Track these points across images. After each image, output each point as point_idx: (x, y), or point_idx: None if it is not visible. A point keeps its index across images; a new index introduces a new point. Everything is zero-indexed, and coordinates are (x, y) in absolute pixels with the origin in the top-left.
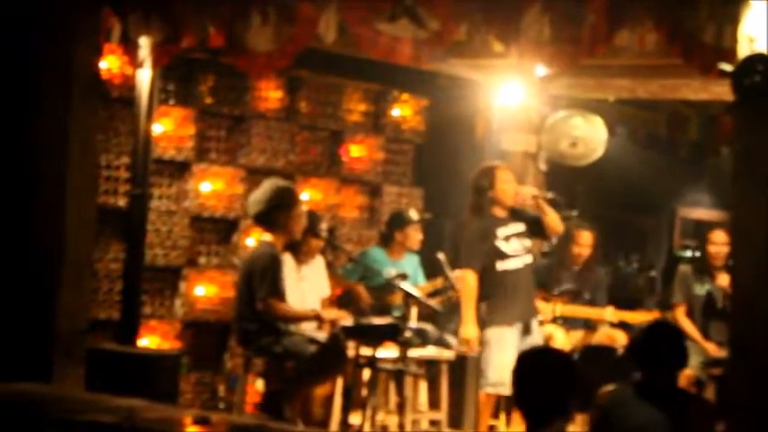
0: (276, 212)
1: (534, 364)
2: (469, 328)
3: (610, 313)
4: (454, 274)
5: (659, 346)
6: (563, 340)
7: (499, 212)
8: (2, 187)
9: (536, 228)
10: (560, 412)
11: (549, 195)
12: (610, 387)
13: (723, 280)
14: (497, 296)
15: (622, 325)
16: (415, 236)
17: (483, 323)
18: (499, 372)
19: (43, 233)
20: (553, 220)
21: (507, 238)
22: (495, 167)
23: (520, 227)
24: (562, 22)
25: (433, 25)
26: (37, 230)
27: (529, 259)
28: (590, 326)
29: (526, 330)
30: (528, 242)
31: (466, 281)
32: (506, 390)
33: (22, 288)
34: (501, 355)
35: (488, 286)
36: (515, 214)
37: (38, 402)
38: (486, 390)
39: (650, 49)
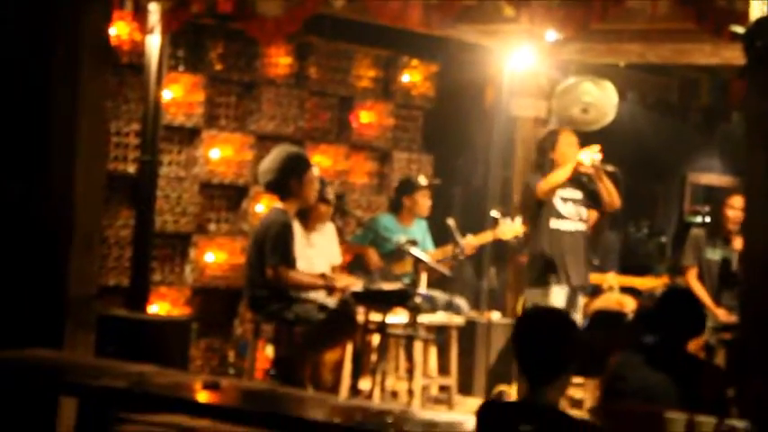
0: (289, 179)
1: (534, 324)
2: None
3: (612, 278)
4: (464, 240)
5: (677, 312)
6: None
7: None
8: (11, 154)
9: (593, 199)
10: (560, 371)
11: (610, 168)
12: (620, 352)
13: (740, 244)
14: (548, 255)
15: (631, 290)
16: (423, 202)
17: (528, 282)
18: None
19: (53, 200)
20: (610, 192)
21: (564, 200)
22: (560, 131)
23: (578, 194)
24: None
25: None
26: (47, 197)
27: (582, 227)
28: (598, 291)
29: (571, 298)
30: (584, 211)
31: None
32: None
33: (33, 255)
34: None
35: (540, 242)
36: (575, 181)
37: (49, 368)
38: None
39: (662, 12)
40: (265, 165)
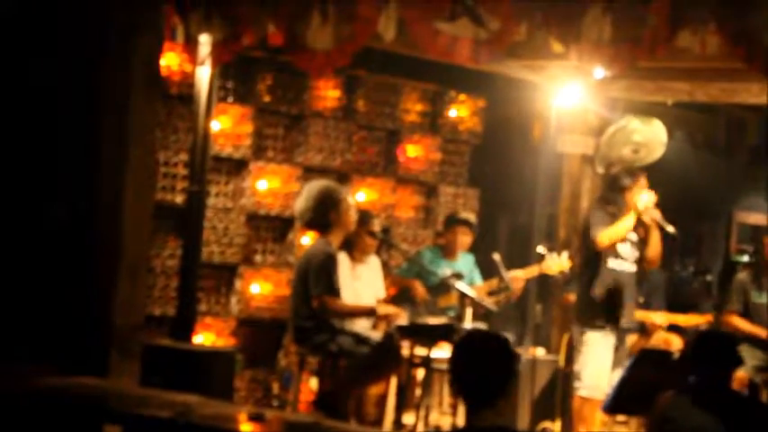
0: (327, 213)
1: (472, 348)
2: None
3: (660, 317)
4: (509, 275)
5: (709, 349)
6: None
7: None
8: (61, 181)
9: (639, 248)
10: (500, 395)
11: (671, 229)
12: (668, 393)
13: None
14: (603, 295)
15: (678, 329)
16: (462, 238)
17: (581, 322)
18: (596, 376)
19: (101, 229)
20: (655, 249)
21: (624, 240)
22: (641, 172)
23: (634, 235)
24: (623, 22)
25: (493, 25)
26: (95, 226)
27: (635, 268)
28: (645, 330)
29: (620, 339)
30: (637, 254)
31: (604, 237)
32: (601, 394)
33: (80, 283)
34: (599, 358)
35: (595, 282)
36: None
37: (94, 396)
38: (581, 393)
39: (711, 51)
40: (301, 204)
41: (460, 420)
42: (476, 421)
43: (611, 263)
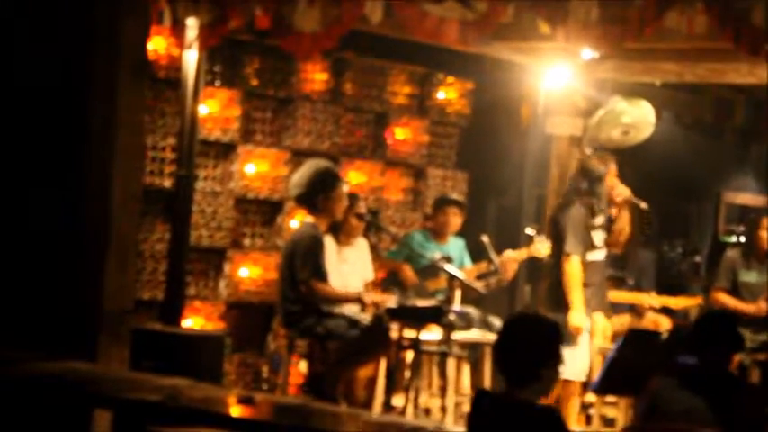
0: (317, 194)
1: (519, 328)
2: (580, 316)
3: (651, 298)
4: (498, 258)
5: (714, 334)
6: (603, 324)
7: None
8: (48, 167)
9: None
10: (535, 377)
11: (644, 205)
12: (659, 375)
13: None
14: (583, 286)
15: (667, 310)
16: (453, 219)
17: (559, 307)
18: (582, 360)
19: (89, 213)
20: (625, 232)
21: (596, 229)
22: (611, 158)
23: (602, 219)
24: (610, 2)
25: (481, 6)
26: (83, 210)
27: (605, 252)
28: (635, 311)
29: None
30: (605, 235)
31: (573, 266)
32: (583, 376)
33: (69, 268)
34: (578, 342)
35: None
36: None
37: (84, 380)
38: (569, 377)
39: (699, 31)
40: (295, 179)
41: (450, 402)
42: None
43: (589, 256)
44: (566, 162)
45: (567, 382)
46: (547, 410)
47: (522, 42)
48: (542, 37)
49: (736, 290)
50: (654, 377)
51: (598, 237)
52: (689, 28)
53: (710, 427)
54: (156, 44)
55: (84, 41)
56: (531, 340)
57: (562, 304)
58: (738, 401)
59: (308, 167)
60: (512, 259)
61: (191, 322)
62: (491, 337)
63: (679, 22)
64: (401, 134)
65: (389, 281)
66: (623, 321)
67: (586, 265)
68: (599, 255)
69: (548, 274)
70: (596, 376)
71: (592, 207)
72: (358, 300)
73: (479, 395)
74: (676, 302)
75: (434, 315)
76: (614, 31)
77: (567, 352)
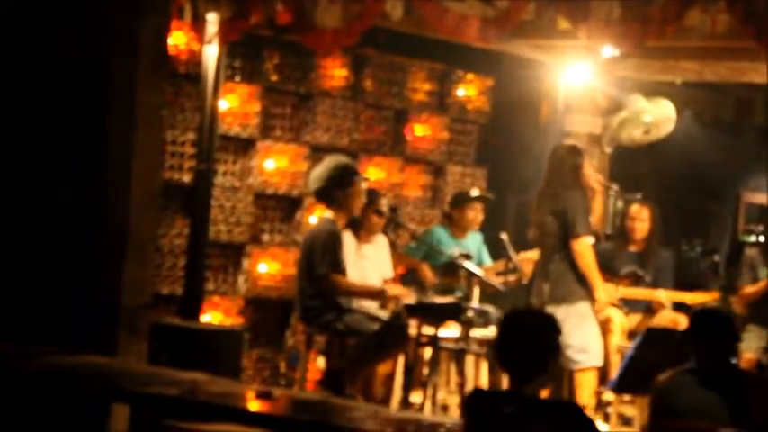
0: (335, 189)
1: (517, 323)
2: (606, 295)
3: (662, 295)
4: (518, 256)
5: (705, 326)
6: (621, 322)
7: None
8: (69, 162)
9: None
10: (541, 370)
11: (615, 187)
12: (667, 372)
13: None
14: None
15: (685, 308)
16: (474, 215)
17: (575, 297)
18: (599, 345)
19: (109, 208)
20: (598, 215)
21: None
22: (581, 148)
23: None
24: (632, 1)
25: (501, 4)
26: (103, 205)
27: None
28: (650, 309)
29: None
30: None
31: (586, 247)
32: (601, 361)
33: (88, 262)
34: (596, 328)
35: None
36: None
37: (102, 375)
38: (590, 364)
39: (721, 30)
40: (315, 173)
41: None
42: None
43: (590, 240)
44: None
45: (583, 371)
46: (573, 406)
47: (542, 40)
48: (563, 34)
49: None
50: (661, 374)
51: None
52: (711, 26)
53: (724, 423)
54: (177, 39)
55: (105, 37)
56: (535, 333)
57: (576, 292)
58: (750, 396)
59: (328, 162)
60: (529, 259)
61: (209, 317)
62: None
63: (701, 19)
64: (420, 131)
65: (408, 277)
66: (638, 319)
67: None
68: (591, 240)
69: (543, 269)
70: (615, 374)
71: (584, 197)
72: (379, 293)
73: (477, 394)
74: (693, 298)
75: (453, 312)
76: (636, 30)
77: (585, 339)
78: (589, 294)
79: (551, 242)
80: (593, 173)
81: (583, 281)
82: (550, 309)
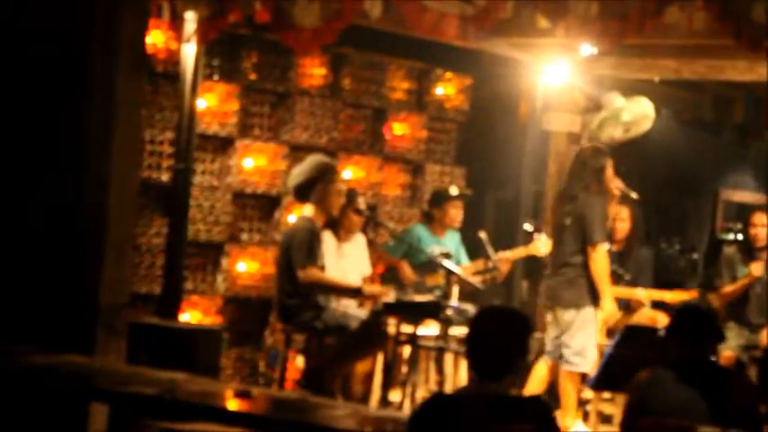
0: (315, 183)
1: (491, 321)
2: (613, 305)
3: (641, 293)
4: (497, 255)
5: (690, 323)
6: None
7: None
8: (45, 160)
9: None
10: (509, 370)
11: (634, 195)
12: (646, 370)
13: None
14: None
15: (664, 306)
16: (454, 213)
17: (583, 301)
18: (594, 353)
19: (87, 207)
20: (623, 228)
21: (607, 220)
22: (606, 150)
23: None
24: None
25: (480, 2)
26: (81, 204)
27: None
28: (629, 307)
29: None
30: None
31: (602, 255)
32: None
33: (66, 261)
34: (593, 334)
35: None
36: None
37: (80, 374)
38: (583, 369)
39: (699, 27)
40: (296, 169)
41: None
42: (480, 391)
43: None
44: (564, 158)
45: (571, 373)
46: (540, 401)
47: (521, 38)
48: (541, 33)
49: None
50: (640, 373)
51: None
52: (689, 24)
53: (703, 420)
54: (155, 38)
55: (82, 35)
56: (508, 332)
57: (585, 297)
58: (730, 393)
59: (309, 159)
60: (507, 260)
61: (188, 316)
62: None
63: (679, 17)
64: (399, 129)
65: (388, 277)
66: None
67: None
68: (607, 246)
69: (556, 270)
70: (593, 372)
71: (604, 200)
72: (357, 291)
73: (436, 399)
74: (672, 297)
75: (432, 310)
76: (614, 27)
77: (585, 344)
78: (596, 301)
79: (567, 245)
80: (616, 180)
81: (593, 287)
82: (559, 311)
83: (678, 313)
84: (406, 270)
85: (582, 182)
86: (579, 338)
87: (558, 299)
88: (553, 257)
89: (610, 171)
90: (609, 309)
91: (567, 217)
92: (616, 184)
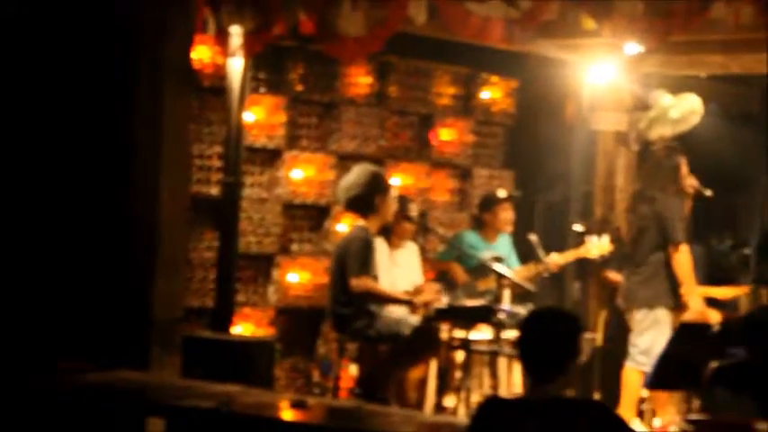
0: (373, 196)
1: (540, 322)
2: (701, 304)
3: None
4: (549, 258)
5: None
6: None
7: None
8: (97, 179)
9: None
10: (561, 371)
11: (708, 193)
12: (714, 365)
13: None
14: (671, 277)
15: (716, 303)
16: (505, 215)
17: (659, 302)
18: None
19: (139, 223)
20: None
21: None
22: (680, 148)
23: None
24: None
25: (525, 4)
26: (133, 220)
27: None
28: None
29: None
30: None
31: (684, 254)
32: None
33: (120, 277)
34: (663, 336)
35: (668, 266)
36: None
37: (136, 389)
38: (645, 368)
39: (745, 21)
40: (348, 181)
41: None
42: (536, 394)
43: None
44: (612, 158)
45: (635, 371)
46: (597, 404)
47: (566, 39)
48: (587, 33)
49: None
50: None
51: None
52: (735, 18)
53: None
54: (201, 53)
55: (129, 52)
56: (558, 333)
57: (660, 297)
58: None
59: (360, 170)
60: (556, 263)
61: (241, 329)
62: None
63: (725, 12)
64: (446, 135)
65: (439, 281)
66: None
67: None
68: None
69: (633, 271)
70: (649, 371)
71: (681, 199)
72: (408, 303)
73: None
74: (723, 293)
75: (484, 314)
76: (660, 25)
77: (652, 344)
78: (671, 302)
79: (644, 246)
80: (688, 175)
81: (669, 287)
82: (634, 311)
83: (752, 314)
84: (458, 271)
85: (658, 183)
86: (647, 338)
87: (634, 299)
88: (629, 259)
89: (684, 169)
90: (697, 307)
91: (644, 218)
92: (690, 183)
